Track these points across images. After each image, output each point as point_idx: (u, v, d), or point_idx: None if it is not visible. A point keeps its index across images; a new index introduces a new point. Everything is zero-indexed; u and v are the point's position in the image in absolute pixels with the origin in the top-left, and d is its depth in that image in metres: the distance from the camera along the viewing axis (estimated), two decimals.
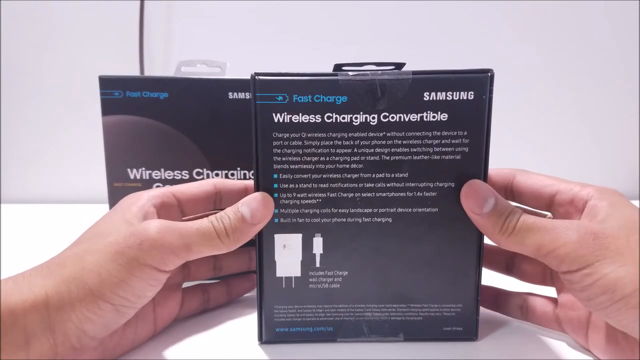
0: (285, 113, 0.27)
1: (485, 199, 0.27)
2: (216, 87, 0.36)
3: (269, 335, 0.30)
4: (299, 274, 0.29)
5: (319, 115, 0.27)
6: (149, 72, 0.66)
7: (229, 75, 0.37)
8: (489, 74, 0.27)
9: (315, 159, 0.28)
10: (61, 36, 0.66)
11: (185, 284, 0.34)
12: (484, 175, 0.28)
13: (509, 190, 0.30)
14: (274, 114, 0.27)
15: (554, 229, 0.25)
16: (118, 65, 0.66)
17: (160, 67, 0.67)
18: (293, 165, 0.28)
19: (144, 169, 0.37)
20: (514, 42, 0.66)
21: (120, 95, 0.36)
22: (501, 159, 0.40)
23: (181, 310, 0.32)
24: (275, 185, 0.28)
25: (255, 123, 0.27)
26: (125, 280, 0.25)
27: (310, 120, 0.27)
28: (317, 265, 0.29)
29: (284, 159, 0.28)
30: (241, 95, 0.36)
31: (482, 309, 0.32)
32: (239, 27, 0.66)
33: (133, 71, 0.65)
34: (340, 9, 0.65)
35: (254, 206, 0.27)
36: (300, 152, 0.27)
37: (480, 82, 0.27)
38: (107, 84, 0.36)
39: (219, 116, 0.36)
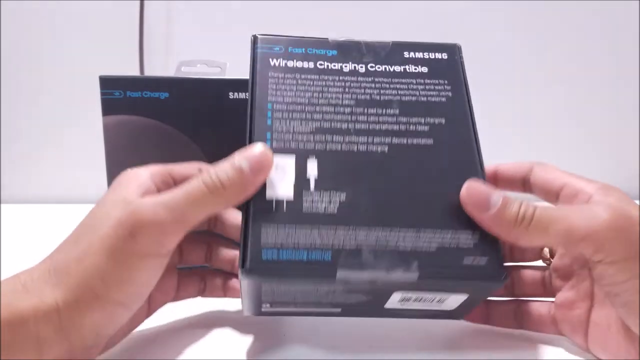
0: (282, 59, 0.31)
1: (488, 197, 0.25)
2: (216, 87, 0.36)
3: (254, 262, 0.25)
4: (291, 197, 0.26)
5: (312, 62, 0.31)
6: (149, 72, 0.66)
7: (229, 75, 0.38)
8: (457, 45, 0.33)
9: (309, 94, 0.30)
10: (61, 36, 0.65)
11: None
12: (475, 141, 0.29)
13: (526, 183, 0.30)
14: (270, 59, 0.31)
15: (581, 210, 0.23)
16: (118, 65, 0.66)
17: (160, 67, 0.66)
18: (287, 99, 0.29)
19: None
20: (513, 42, 0.66)
21: (120, 95, 0.36)
22: (502, 159, 0.40)
23: (177, 294, 0.32)
24: (269, 114, 0.29)
25: (253, 66, 0.30)
26: (128, 279, 0.24)
27: (304, 66, 0.31)
28: (312, 189, 0.27)
29: (278, 92, 0.30)
30: (241, 95, 0.36)
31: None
32: (239, 27, 0.66)
33: (133, 71, 0.65)
34: (340, 9, 0.65)
35: (251, 156, 0.26)
36: (295, 88, 0.30)
37: (451, 47, 0.33)
38: (108, 84, 0.36)
39: (219, 116, 0.36)
